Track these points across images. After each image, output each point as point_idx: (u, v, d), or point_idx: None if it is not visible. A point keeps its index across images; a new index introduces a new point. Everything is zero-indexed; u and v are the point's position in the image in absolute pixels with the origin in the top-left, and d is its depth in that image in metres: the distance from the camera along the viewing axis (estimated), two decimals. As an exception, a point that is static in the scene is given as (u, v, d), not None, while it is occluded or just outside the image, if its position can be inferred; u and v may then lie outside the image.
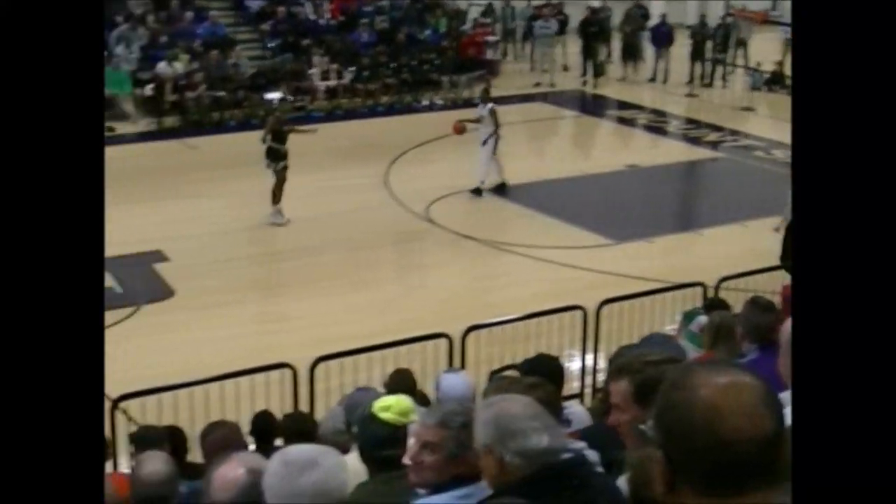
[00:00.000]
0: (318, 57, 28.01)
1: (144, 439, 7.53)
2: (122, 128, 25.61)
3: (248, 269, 16.68)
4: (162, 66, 26.36)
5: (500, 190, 20.15)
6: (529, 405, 4.10)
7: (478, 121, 20.17)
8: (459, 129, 20.28)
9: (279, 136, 18.18)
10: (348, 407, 7.04)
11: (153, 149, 24.29)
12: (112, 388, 11.30)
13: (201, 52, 27.71)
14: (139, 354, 13.40)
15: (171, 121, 25.81)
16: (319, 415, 8.92)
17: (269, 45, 29.46)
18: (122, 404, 10.00)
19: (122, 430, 9.37)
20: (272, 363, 10.52)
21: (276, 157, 18.09)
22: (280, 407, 9.88)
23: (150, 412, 9.77)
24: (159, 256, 16.69)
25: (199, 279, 16.07)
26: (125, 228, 17.59)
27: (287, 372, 10.48)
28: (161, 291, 15.57)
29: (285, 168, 18.13)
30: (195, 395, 10.08)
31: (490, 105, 20.15)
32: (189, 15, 28.94)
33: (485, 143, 19.93)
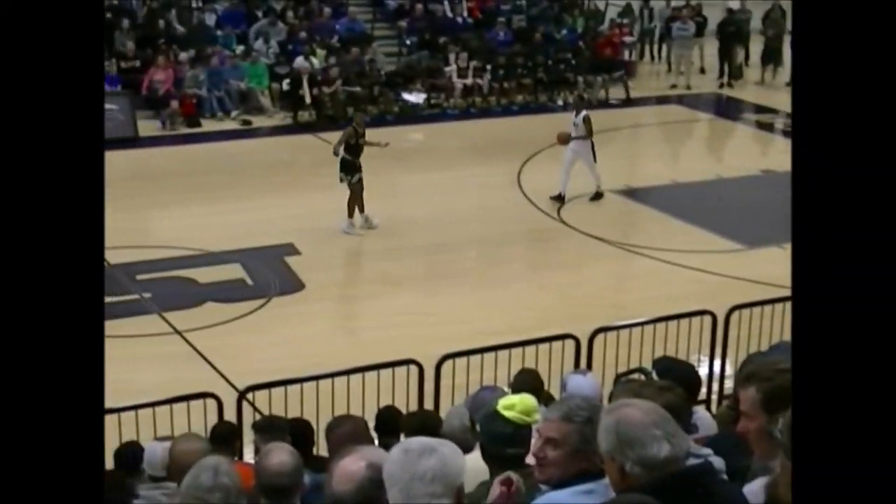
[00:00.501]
0: (455, 55, 28.04)
1: (269, 430, 7.59)
2: (258, 121, 25.96)
3: (378, 264, 16.76)
4: (299, 61, 26.63)
5: (559, 199, 19.44)
6: (652, 412, 4.03)
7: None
8: (563, 140, 19.74)
9: (353, 149, 17.84)
10: (472, 405, 7.02)
11: (288, 143, 24.57)
12: (239, 378, 11.48)
13: (338, 47, 27.96)
14: (267, 346, 13.57)
15: (306, 115, 26.06)
16: (444, 412, 8.92)
17: (407, 42, 29.60)
18: (249, 395, 10.11)
19: (249, 421, 9.46)
20: (399, 359, 10.55)
21: (350, 169, 17.77)
22: (405, 403, 9.90)
23: (277, 403, 9.86)
24: (291, 249, 16.86)
25: (330, 272, 16.20)
26: (258, 221, 17.84)
27: (413, 368, 10.50)
28: (291, 284, 15.73)
29: (360, 180, 17.81)
30: (321, 388, 10.15)
31: (584, 113, 19.61)
32: (328, 11, 29.20)
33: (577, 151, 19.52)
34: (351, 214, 17.77)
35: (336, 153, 17.87)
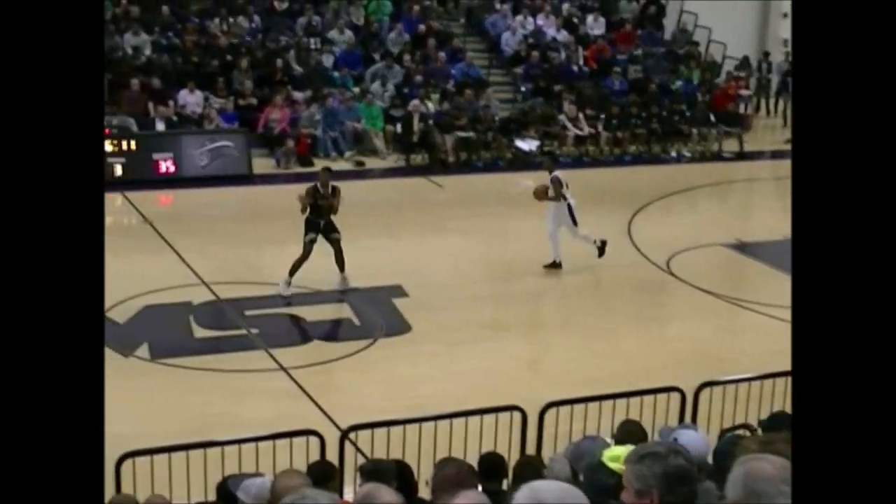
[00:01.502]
0: (569, 103, 28.06)
1: (373, 472, 7.60)
2: (371, 162, 26.19)
3: (485, 309, 16.76)
4: (414, 104, 26.83)
5: (553, 266, 18.17)
6: (782, 468, 3.99)
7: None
8: (539, 195, 18.33)
9: (315, 209, 16.85)
10: (574, 454, 6.97)
11: (400, 185, 24.74)
12: (342, 417, 11.52)
13: (453, 92, 28.12)
14: (372, 386, 13.62)
15: (419, 158, 26.22)
16: (546, 459, 8.87)
17: (521, 88, 29.69)
18: (352, 434, 10.15)
19: (350, 460, 9.49)
20: (503, 405, 10.53)
21: (309, 228, 16.84)
22: (507, 449, 9.87)
23: (379, 444, 9.89)
24: (399, 291, 16.94)
25: (437, 315, 16.23)
26: (367, 262, 17.95)
27: (517, 414, 10.47)
28: (398, 325, 15.79)
29: (312, 242, 16.79)
30: (424, 431, 10.16)
31: (554, 174, 18.30)
32: (444, 55, 29.42)
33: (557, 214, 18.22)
34: (292, 273, 16.70)
35: (302, 212, 16.84)
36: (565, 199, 18.01)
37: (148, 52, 27.68)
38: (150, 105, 25.89)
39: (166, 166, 24.29)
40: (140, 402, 13.06)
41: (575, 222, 18.11)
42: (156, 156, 24.22)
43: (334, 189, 17.03)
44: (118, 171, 23.63)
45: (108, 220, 21.78)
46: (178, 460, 8.98)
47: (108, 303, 15.83)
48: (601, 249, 18.33)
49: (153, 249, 17.56)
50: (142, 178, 23.51)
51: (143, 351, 14.59)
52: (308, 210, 16.76)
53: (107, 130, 24.54)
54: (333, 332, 15.50)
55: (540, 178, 25.82)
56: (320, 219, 16.85)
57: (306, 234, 16.79)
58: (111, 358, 14.35)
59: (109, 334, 14.99)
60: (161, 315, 15.87)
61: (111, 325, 15.41)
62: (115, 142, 23.96)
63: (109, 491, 8.77)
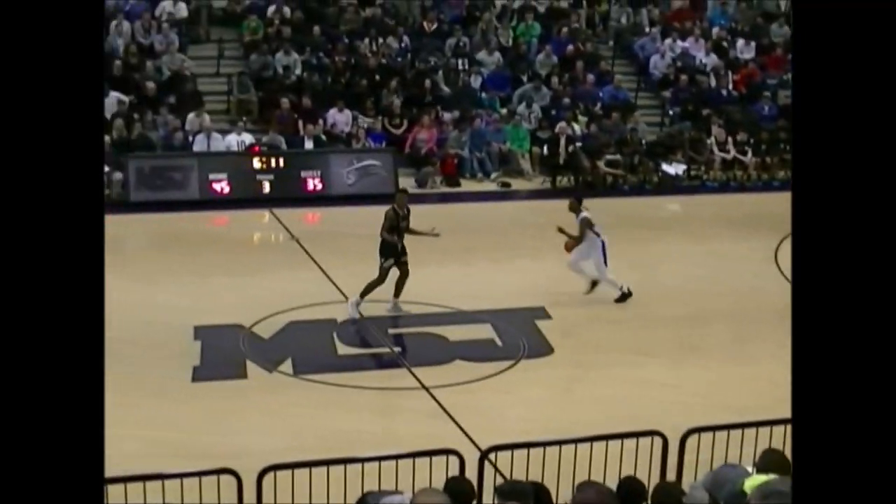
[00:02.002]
0: (717, 127, 27.77)
1: (511, 493, 7.59)
2: (517, 184, 26.22)
3: (627, 332, 16.63)
4: (561, 126, 26.80)
5: (622, 298, 17.68)
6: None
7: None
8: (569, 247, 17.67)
9: (396, 231, 16.50)
10: (714, 482, 6.88)
11: (546, 207, 24.67)
12: (482, 437, 11.53)
13: (601, 115, 28.04)
14: (512, 407, 13.61)
15: (565, 180, 26.17)
16: (685, 486, 8.76)
17: (669, 112, 29.48)
18: (491, 455, 10.14)
19: (489, 481, 9.48)
20: (644, 430, 10.43)
21: (387, 252, 16.47)
22: (647, 474, 9.77)
23: (518, 465, 9.86)
24: (542, 313, 16.90)
25: (579, 338, 16.16)
26: (511, 283, 17.95)
27: (658, 439, 10.37)
28: (541, 347, 15.75)
29: (391, 267, 16.48)
30: (564, 454, 10.11)
31: (582, 215, 17.64)
32: (592, 77, 29.34)
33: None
34: (363, 295, 16.46)
35: (381, 236, 16.50)
36: (598, 235, 17.50)
37: (298, 71, 28.10)
38: (300, 123, 26.27)
39: (314, 184, 24.61)
40: (283, 416, 13.23)
41: (605, 262, 17.56)
42: (304, 173, 24.55)
43: (408, 211, 16.86)
44: (266, 188, 24.02)
45: (256, 236, 22.19)
46: (319, 475, 9.06)
47: (253, 318, 16.11)
48: (624, 297, 17.65)
49: (299, 266, 17.81)
50: (290, 195, 23.85)
51: (287, 366, 14.78)
52: (387, 233, 16.47)
53: (256, 148, 24.98)
54: (475, 352, 15.51)
55: (686, 202, 25.63)
56: (398, 241, 16.55)
57: (385, 258, 16.42)
58: (256, 373, 14.57)
59: (254, 350, 15.24)
60: (305, 331, 16.06)
61: (256, 340, 15.64)
62: (264, 159, 24.37)
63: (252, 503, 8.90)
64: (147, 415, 13.15)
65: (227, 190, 23.94)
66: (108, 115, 25.30)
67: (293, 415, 13.31)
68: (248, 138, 25.43)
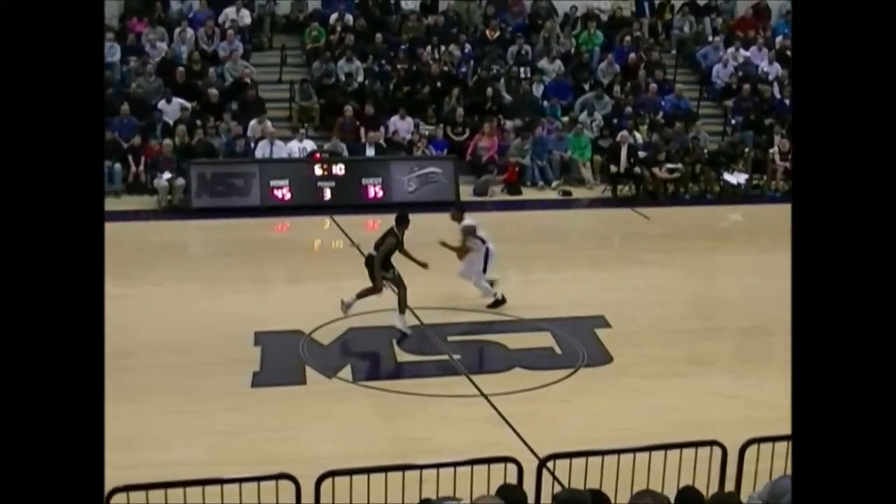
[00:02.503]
0: (780, 137, 27.59)
1: (569, 501, 7.57)
2: (578, 192, 26.19)
3: (687, 342, 16.55)
4: (623, 135, 26.72)
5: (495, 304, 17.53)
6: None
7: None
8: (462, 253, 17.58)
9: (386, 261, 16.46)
10: (773, 493, 6.84)
11: (606, 216, 24.65)
12: (540, 445, 11.51)
13: (662, 124, 27.94)
14: (571, 416, 13.58)
15: (626, 189, 26.10)
16: (744, 498, 8.71)
17: (732, 121, 29.32)
18: (550, 463, 10.12)
19: (547, 489, 9.47)
20: (702, 440, 10.38)
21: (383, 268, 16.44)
22: (706, 484, 9.72)
23: (577, 474, 9.84)
24: (602, 322, 16.85)
25: (639, 348, 16.09)
26: (570, 291, 17.91)
27: (717, 449, 10.31)
28: (600, 356, 15.69)
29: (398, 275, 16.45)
30: (622, 463, 10.08)
31: (464, 223, 17.57)
32: (654, 86, 29.25)
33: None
34: (401, 310, 16.33)
35: (374, 255, 16.48)
36: (484, 242, 17.40)
37: (360, 78, 28.21)
38: (362, 130, 26.38)
39: (375, 191, 24.69)
40: (341, 423, 13.27)
41: (485, 269, 17.46)
42: (365, 181, 24.65)
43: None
44: (327, 194, 24.14)
45: (317, 242, 22.28)
46: (377, 481, 9.08)
47: (313, 324, 16.18)
48: (497, 303, 17.45)
49: (359, 273, 17.81)
50: (350, 202, 23.95)
51: (346, 373, 14.83)
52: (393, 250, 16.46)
53: (317, 155, 25.09)
54: (534, 360, 15.49)
55: (747, 212, 25.48)
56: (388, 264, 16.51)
57: (385, 271, 16.40)
58: (315, 379, 14.62)
59: (314, 356, 15.30)
60: (365, 338, 16.11)
61: (316, 346, 15.70)
62: (326, 166, 24.48)
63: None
64: (207, 420, 13.24)
65: (288, 196, 24.08)
66: (170, 121, 25.54)
67: (352, 421, 13.35)
68: (309, 145, 25.57)
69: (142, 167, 24.59)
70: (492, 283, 17.59)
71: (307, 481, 8.92)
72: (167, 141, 24.81)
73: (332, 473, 9.09)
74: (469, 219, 17.70)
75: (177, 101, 25.98)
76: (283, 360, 15.31)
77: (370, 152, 25.85)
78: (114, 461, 11.84)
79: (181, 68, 27.03)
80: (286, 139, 25.70)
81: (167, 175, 23.96)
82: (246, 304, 17.49)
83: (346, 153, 25.62)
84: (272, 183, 24.09)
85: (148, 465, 11.38)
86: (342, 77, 28.16)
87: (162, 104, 26.16)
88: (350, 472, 9.17)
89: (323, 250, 22.25)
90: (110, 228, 23.91)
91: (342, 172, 24.54)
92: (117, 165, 24.27)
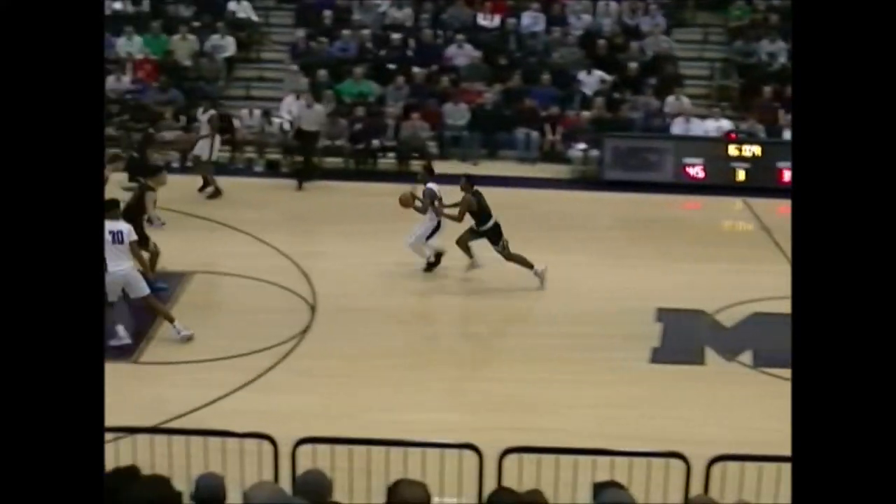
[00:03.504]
0: None
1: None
2: None
3: None
4: None
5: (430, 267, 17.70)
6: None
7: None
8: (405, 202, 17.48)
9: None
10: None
11: None
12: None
13: None
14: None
15: None
16: None
17: None
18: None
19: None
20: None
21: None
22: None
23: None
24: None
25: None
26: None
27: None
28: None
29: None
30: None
31: (428, 186, 17.49)
32: None
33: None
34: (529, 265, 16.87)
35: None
36: (436, 215, 17.25)
37: (783, 59, 27.56)
38: (780, 113, 25.79)
39: (790, 175, 24.10)
40: (735, 408, 13.12)
41: (430, 237, 17.54)
42: (780, 164, 24.06)
43: None
44: (741, 176, 23.75)
45: (727, 223, 21.99)
46: (769, 471, 8.90)
47: (717, 306, 16.04)
48: (430, 265, 17.67)
49: (768, 258, 17.52)
50: (765, 185, 23.47)
51: (747, 357, 14.62)
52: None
53: (733, 135, 24.72)
54: None
55: None
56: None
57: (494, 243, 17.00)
58: (714, 360, 14.51)
59: (715, 337, 15.18)
60: (770, 324, 15.72)
61: (718, 328, 15.56)
62: (740, 147, 24.09)
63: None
64: (602, 392, 13.38)
65: (701, 175, 23.87)
66: (589, 92, 25.78)
67: (746, 407, 13.16)
68: (726, 124, 25.23)
69: (558, 136, 24.96)
70: (438, 255, 17.70)
71: (699, 461, 8.82)
72: (584, 112, 25.10)
73: (723, 458, 8.97)
74: (433, 184, 17.60)
75: (597, 73, 26.19)
76: (684, 338, 15.26)
77: (788, 135, 25.23)
78: (503, 422, 12.18)
79: (603, 41, 27.22)
80: (703, 117, 25.47)
81: (582, 146, 24.26)
82: (649, 279, 17.48)
83: (763, 135, 25.13)
84: (685, 160, 23.94)
85: (539, 430, 11.60)
86: (764, 57, 27.61)
87: (582, 75, 26.43)
88: (741, 458, 9.04)
89: (733, 232, 21.94)
90: (523, 195, 24.56)
91: (757, 154, 24.06)
92: (535, 133, 24.78)
